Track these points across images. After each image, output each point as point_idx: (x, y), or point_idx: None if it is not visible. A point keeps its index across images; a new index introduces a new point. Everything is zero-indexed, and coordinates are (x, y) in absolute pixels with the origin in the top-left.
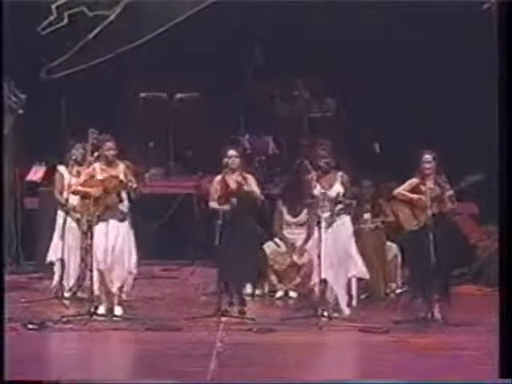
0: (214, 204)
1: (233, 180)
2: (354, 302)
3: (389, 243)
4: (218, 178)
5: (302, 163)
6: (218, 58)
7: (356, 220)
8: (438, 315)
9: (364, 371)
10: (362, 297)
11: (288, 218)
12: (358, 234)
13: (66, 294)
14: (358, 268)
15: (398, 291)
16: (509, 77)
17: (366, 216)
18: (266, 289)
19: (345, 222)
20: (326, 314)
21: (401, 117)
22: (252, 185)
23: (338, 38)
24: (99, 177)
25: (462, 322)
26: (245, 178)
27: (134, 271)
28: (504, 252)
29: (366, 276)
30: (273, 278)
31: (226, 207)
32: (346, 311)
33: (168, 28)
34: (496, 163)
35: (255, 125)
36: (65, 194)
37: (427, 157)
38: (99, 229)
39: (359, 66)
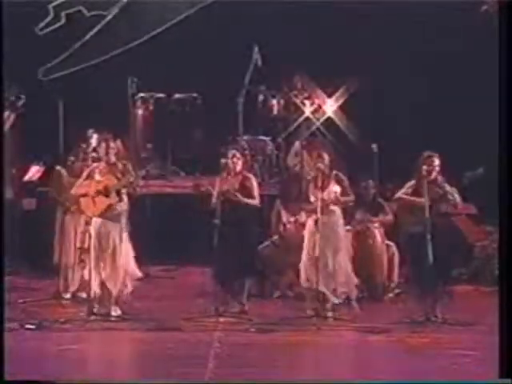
0: (214, 202)
1: (233, 181)
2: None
3: (388, 242)
4: (220, 178)
5: (299, 163)
6: (216, 58)
7: (355, 219)
8: (436, 315)
9: (362, 371)
10: (361, 296)
11: (286, 217)
12: (357, 233)
13: (66, 295)
14: (344, 270)
15: (397, 291)
16: (509, 77)
17: (366, 215)
18: (265, 288)
19: (339, 224)
20: (322, 314)
21: (400, 116)
22: (253, 187)
23: (336, 36)
24: (98, 177)
25: (461, 321)
26: (247, 179)
27: (134, 272)
28: (504, 252)
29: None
30: (271, 277)
31: (224, 206)
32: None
33: (166, 28)
34: (494, 163)
35: (253, 125)
36: (64, 195)
37: (430, 158)
38: (98, 228)
39: (358, 66)
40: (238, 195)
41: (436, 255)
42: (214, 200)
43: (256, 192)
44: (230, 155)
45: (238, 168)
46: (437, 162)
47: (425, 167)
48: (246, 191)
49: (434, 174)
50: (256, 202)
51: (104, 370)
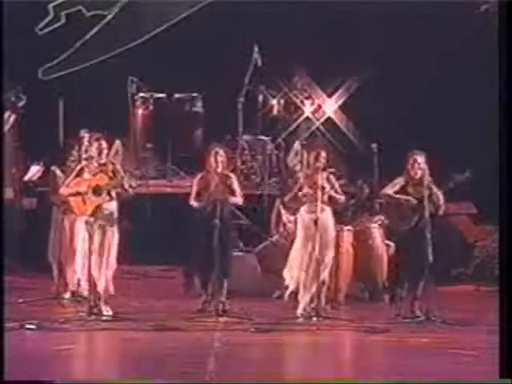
0: (193, 202)
1: (214, 179)
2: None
3: (387, 242)
4: (200, 175)
5: (299, 163)
6: (216, 58)
7: (355, 219)
8: (435, 314)
9: (361, 370)
10: (360, 296)
11: (286, 217)
12: (357, 233)
13: (65, 295)
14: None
15: (396, 291)
16: (509, 77)
17: (365, 215)
18: (265, 288)
19: (330, 222)
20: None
21: (399, 116)
22: (234, 185)
23: (336, 36)
24: (88, 176)
25: (461, 321)
26: (228, 178)
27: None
28: (504, 251)
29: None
30: (271, 276)
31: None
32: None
33: (166, 28)
34: (494, 163)
35: (253, 125)
36: (57, 195)
37: (416, 157)
38: (91, 228)
39: (358, 65)
40: (226, 195)
41: (424, 254)
42: (191, 199)
43: (238, 191)
44: (212, 152)
45: (220, 167)
46: (419, 160)
47: (414, 166)
48: (228, 190)
49: (420, 173)
50: (239, 200)
51: (103, 370)
